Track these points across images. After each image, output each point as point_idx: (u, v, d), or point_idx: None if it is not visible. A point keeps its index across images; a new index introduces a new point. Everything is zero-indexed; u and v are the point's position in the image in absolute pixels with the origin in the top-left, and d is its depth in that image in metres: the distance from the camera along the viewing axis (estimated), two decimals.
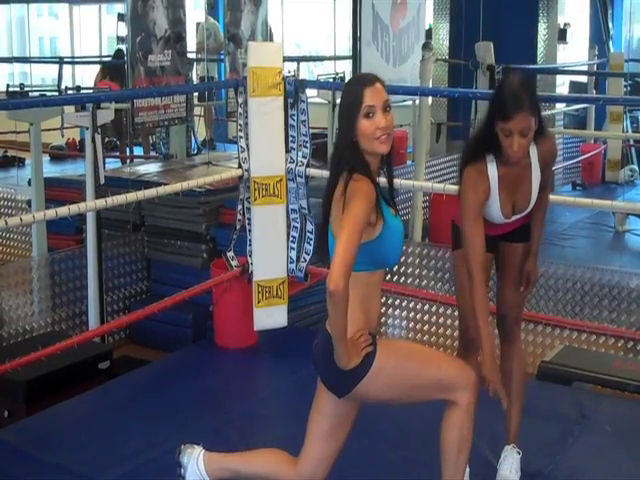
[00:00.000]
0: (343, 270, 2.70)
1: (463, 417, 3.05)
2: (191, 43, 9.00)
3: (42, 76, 12.06)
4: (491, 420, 3.84)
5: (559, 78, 10.88)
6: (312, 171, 5.32)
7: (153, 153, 10.23)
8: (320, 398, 3.09)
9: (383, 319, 6.09)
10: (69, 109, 5.98)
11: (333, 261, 2.72)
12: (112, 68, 10.07)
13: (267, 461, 3.25)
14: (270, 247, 5.30)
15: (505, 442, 3.75)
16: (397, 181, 5.99)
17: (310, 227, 5.29)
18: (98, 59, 10.59)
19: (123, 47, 9.35)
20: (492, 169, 3.34)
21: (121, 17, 9.85)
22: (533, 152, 3.37)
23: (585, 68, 11.15)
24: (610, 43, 11.60)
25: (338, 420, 3.12)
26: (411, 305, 5.97)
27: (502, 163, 3.33)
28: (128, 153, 9.92)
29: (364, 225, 2.79)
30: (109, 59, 10.65)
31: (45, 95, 9.31)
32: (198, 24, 10.11)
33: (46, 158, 8.87)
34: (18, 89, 9.36)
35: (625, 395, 4.76)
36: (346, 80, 10.09)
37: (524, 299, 3.75)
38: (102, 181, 5.18)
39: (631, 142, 10.57)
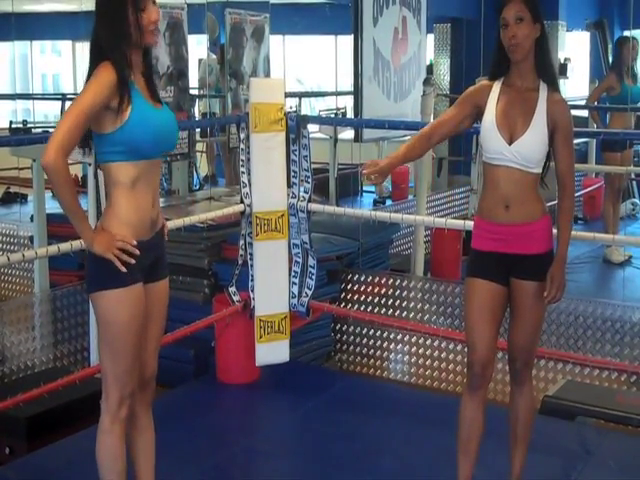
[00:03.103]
0: (56, 145, 2.79)
1: (101, 437, 3.19)
2: (193, 79, 9.04)
3: (45, 113, 12.11)
4: (493, 455, 3.82)
5: None
6: (314, 206, 5.34)
7: None
8: None
9: (385, 354, 6.08)
10: None
11: (50, 138, 2.83)
12: None
13: None
14: (272, 282, 5.30)
15: (509, 478, 3.72)
16: (399, 215, 6.03)
17: (312, 262, 5.29)
18: None
19: None
20: (497, 86, 3.51)
21: None
22: (543, 90, 3.44)
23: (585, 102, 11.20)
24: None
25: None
26: (413, 340, 5.96)
27: (508, 83, 3.49)
28: None
29: (92, 106, 2.87)
30: None
31: (48, 131, 9.33)
32: (200, 60, 10.17)
33: (48, 194, 8.86)
34: (21, 126, 9.41)
35: (629, 429, 4.74)
36: (348, 115, 10.15)
37: (534, 344, 3.64)
38: None
39: (632, 176, 10.59)
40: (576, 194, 3.72)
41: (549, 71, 3.50)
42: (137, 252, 3.00)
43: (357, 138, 6.99)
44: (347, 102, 10.51)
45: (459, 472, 3.59)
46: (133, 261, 2.99)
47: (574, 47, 12.29)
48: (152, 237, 3.14)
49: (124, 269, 2.98)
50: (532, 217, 3.46)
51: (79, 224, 2.94)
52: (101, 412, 3.18)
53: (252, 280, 5.29)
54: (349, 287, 6.27)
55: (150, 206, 3.09)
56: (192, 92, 8.25)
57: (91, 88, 2.90)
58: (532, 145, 3.40)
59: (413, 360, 5.97)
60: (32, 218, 6.26)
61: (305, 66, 14.31)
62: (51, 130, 9.11)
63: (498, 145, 3.42)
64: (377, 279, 6.22)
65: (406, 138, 9.27)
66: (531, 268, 3.45)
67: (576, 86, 11.95)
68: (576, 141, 10.82)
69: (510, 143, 3.40)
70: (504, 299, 3.53)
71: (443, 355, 5.82)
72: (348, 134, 8.30)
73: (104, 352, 3.14)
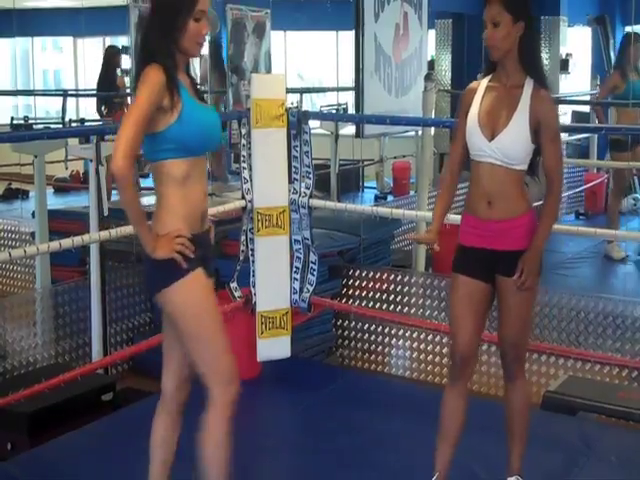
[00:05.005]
0: (123, 151, 2.87)
1: (216, 419, 3.14)
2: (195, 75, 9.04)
3: (46, 109, 12.11)
4: (492, 451, 3.83)
5: (561, 108, 10.90)
6: (315, 202, 5.34)
7: None
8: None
9: (386, 349, 6.08)
10: (73, 141, 6.01)
11: (115, 144, 2.89)
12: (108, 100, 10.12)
13: None
14: (273, 278, 5.30)
15: (507, 474, 3.72)
16: (400, 211, 6.03)
17: (313, 258, 5.30)
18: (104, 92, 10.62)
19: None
20: (484, 82, 3.54)
21: (125, 50, 9.91)
22: (528, 87, 3.43)
23: (587, 98, 11.20)
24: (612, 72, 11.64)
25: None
26: (414, 335, 5.96)
27: (495, 79, 3.51)
28: None
29: (149, 108, 2.95)
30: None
31: (49, 128, 9.34)
32: (201, 57, 10.17)
33: (50, 190, 8.88)
34: (22, 122, 9.41)
35: (630, 425, 4.74)
36: (349, 111, 10.14)
37: (523, 339, 3.66)
38: (106, 213, 5.19)
39: (634, 171, 10.58)
40: (578, 189, 3.72)
41: (536, 68, 3.49)
42: (192, 247, 3.03)
43: (358, 134, 6.99)
44: (348, 98, 10.51)
45: (437, 458, 3.64)
46: (192, 255, 3.03)
47: (576, 42, 12.28)
48: (203, 232, 3.18)
49: (185, 265, 3.02)
50: (514, 213, 3.46)
51: (141, 229, 3.01)
52: (210, 411, 3.18)
53: (253, 276, 5.29)
54: (350, 283, 6.27)
55: (201, 200, 3.18)
56: None
57: (145, 91, 2.97)
58: (512, 141, 3.41)
59: (414, 355, 5.97)
60: (33, 214, 6.26)
61: (306, 62, 14.31)
62: (52, 126, 9.13)
63: (479, 141, 3.44)
64: (378, 275, 6.22)
65: (409, 134, 9.36)
66: (514, 264, 3.45)
67: (578, 81, 11.94)
68: (578, 137, 10.88)
69: (491, 139, 3.41)
70: (486, 295, 3.55)
71: (444, 350, 5.81)
72: (349, 130, 8.31)
73: (195, 349, 3.14)
